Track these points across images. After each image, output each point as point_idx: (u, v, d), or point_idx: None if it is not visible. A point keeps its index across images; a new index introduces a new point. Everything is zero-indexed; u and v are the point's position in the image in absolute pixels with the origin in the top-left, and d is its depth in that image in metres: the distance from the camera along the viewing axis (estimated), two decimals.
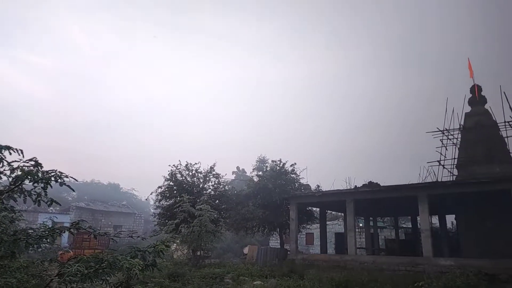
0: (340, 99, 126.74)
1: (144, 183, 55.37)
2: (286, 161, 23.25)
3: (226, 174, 23.96)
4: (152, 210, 33.89)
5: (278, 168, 23.11)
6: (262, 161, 40.97)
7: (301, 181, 23.60)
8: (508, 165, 17.91)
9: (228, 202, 22.53)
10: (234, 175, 53.86)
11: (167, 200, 21.48)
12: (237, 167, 56.27)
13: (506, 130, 18.46)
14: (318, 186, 23.08)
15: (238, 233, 24.59)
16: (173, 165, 21.93)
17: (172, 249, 19.53)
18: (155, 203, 23.65)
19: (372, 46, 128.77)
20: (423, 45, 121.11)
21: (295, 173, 23.34)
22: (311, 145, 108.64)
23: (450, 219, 26.47)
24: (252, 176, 26.86)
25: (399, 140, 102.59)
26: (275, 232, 24.76)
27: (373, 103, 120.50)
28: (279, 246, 23.66)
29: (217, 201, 22.09)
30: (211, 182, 22.53)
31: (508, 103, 18.08)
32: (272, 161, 24.67)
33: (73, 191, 4.12)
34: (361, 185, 19.53)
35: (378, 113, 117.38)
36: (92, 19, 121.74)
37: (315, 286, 10.33)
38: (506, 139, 18.53)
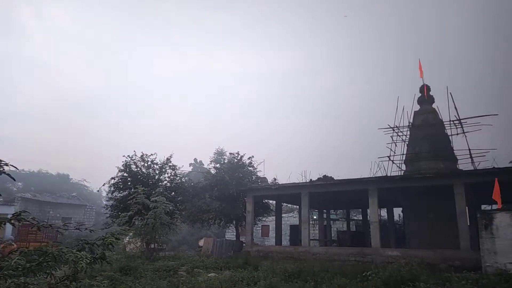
0: (298, 95, 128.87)
1: (97, 174, 53.34)
2: (244, 154, 23.39)
3: (183, 166, 23.68)
4: (104, 202, 32.73)
5: (235, 160, 23.17)
6: (220, 154, 40.75)
7: (258, 174, 23.88)
8: (451, 162, 19.12)
9: (185, 194, 22.29)
10: (192, 167, 53.20)
11: (121, 191, 20.88)
12: (195, 159, 55.60)
13: (451, 128, 19.67)
14: (275, 179, 23.46)
15: (194, 225, 24.44)
16: (128, 155, 21.33)
17: (125, 242, 19.05)
18: (107, 194, 22.87)
19: (331, 46, 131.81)
20: (381, 45, 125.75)
21: (253, 166, 23.54)
22: (268, 139, 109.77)
23: (398, 211, 27.86)
24: (209, 168, 26.76)
25: (354, 136, 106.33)
26: (231, 225, 24.87)
27: (330, 100, 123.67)
28: (235, 239, 23.81)
29: (173, 193, 21.78)
30: (167, 173, 22.16)
31: (454, 103, 19.27)
32: (230, 153, 24.71)
33: (14, 179, 3.87)
34: (316, 178, 20.09)
35: (335, 109, 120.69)
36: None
37: (268, 277, 10.49)
38: (450, 137, 19.76)
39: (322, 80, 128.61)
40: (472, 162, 18.52)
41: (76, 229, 4.49)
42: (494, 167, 15.37)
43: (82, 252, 3.87)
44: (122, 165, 21.06)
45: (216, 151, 43.60)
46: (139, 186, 18.30)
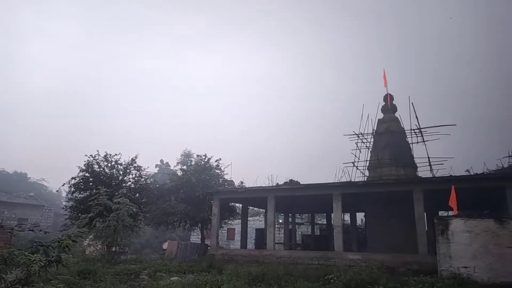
0: (267, 99, 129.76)
1: (57, 173, 51.14)
2: (211, 156, 23.25)
3: (148, 167, 23.19)
4: (64, 203, 31.42)
5: (203, 163, 22.97)
6: (187, 155, 40.41)
7: (225, 177, 23.76)
8: (411, 169, 19.86)
9: (149, 196, 21.82)
10: (158, 168, 52.29)
11: (82, 192, 20.16)
12: (161, 160, 54.70)
13: (411, 137, 20.42)
14: (242, 182, 23.44)
15: (158, 228, 23.96)
16: (91, 155, 20.62)
17: (85, 244, 18.42)
18: (67, 195, 21.99)
19: (301, 51, 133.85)
20: (350, 53, 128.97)
21: (220, 169, 23.42)
22: (236, 143, 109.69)
23: (360, 216, 28.57)
24: (176, 170, 26.37)
25: (321, 141, 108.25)
26: (196, 227, 24.59)
27: (298, 105, 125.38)
28: (200, 242, 23.56)
29: (137, 194, 21.29)
30: (132, 174, 21.62)
31: (415, 112, 20.05)
32: (197, 155, 24.49)
33: None
34: (283, 182, 20.27)
35: (303, 114, 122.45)
36: None
37: (232, 281, 10.46)
38: (411, 145, 20.53)
39: (291, 84, 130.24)
40: (431, 169, 19.30)
41: (30, 230, 4.28)
42: (451, 175, 16.09)
43: (35, 255, 3.69)
44: (84, 164, 20.35)
45: (183, 153, 43.19)
46: (101, 187, 17.77)
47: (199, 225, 23.37)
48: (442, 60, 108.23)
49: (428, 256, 14.52)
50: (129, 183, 21.40)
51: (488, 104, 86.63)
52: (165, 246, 22.43)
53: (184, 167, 24.25)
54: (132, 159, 21.49)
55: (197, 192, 20.77)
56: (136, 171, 21.63)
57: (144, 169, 22.21)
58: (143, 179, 21.99)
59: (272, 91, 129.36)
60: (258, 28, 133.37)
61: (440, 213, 21.00)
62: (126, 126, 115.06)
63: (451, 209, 13.46)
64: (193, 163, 24.33)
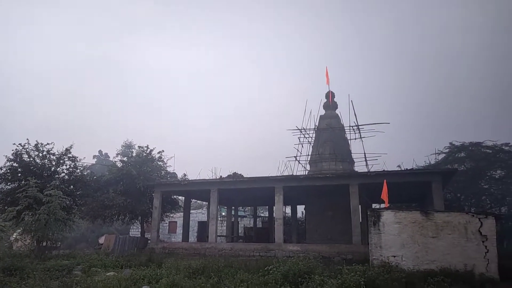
0: (211, 93, 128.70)
1: None
2: (154, 148, 22.69)
3: (85, 157, 22.09)
4: None
5: (144, 154, 22.34)
6: (128, 146, 38.90)
7: (168, 169, 23.35)
8: (349, 164, 20.86)
9: (85, 188, 20.75)
10: (96, 159, 49.90)
11: (9, 183, 18.70)
12: (100, 151, 52.23)
13: (350, 133, 21.42)
14: (185, 175, 23.13)
15: (94, 221, 22.91)
16: (20, 144, 19.10)
17: (11, 239, 17.15)
18: None
19: (246, 44, 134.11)
20: (296, 48, 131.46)
21: (162, 161, 22.95)
22: (179, 134, 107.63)
23: (301, 209, 29.50)
24: (115, 161, 25.36)
25: (265, 135, 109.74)
26: (136, 221, 23.91)
27: (244, 99, 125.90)
28: (140, 235, 22.93)
29: (71, 186, 20.15)
30: (66, 165, 20.37)
31: (354, 110, 21.06)
32: (139, 146, 23.74)
33: None
34: (226, 175, 20.31)
35: (248, 108, 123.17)
36: None
37: (171, 274, 10.30)
38: (350, 141, 21.53)
39: (236, 78, 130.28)
40: (367, 164, 20.40)
41: None
42: (384, 170, 17.14)
43: None
44: (12, 154, 18.83)
45: (124, 144, 41.49)
46: (31, 178, 16.61)
47: (139, 218, 22.74)
48: (386, 59, 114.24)
49: (362, 246, 15.40)
50: (63, 174, 20.18)
51: (421, 105, 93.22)
52: (101, 240, 21.44)
53: (125, 159, 23.43)
54: (66, 149, 20.23)
55: (138, 185, 20.17)
56: (70, 162, 20.42)
57: (80, 160, 21.05)
58: (78, 170, 20.82)
59: (218, 84, 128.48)
60: (197, 23, 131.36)
61: (374, 205, 22.33)
62: (63, 114, 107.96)
63: (384, 202, 14.35)
64: (134, 154, 23.56)
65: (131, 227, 32.38)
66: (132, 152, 24.82)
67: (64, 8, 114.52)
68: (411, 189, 18.38)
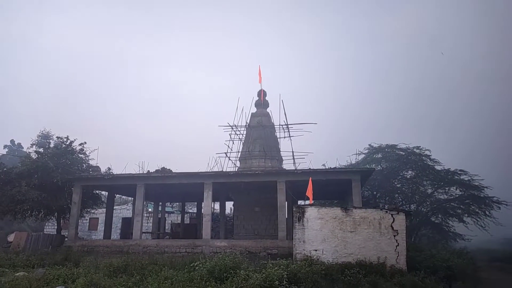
0: (143, 87, 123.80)
1: None
2: (75, 139, 21.16)
3: None
4: None
5: (64, 146, 20.76)
6: (45, 137, 35.89)
7: (91, 162, 21.92)
8: (278, 161, 21.44)
9: None
10: (7, 150, 45.30)
11: None
12: (11, 141, 47.44)
13: (279, 132, 22.02)
14: (109, 168, 21.95)
15: (3, 218, 20.78)
16: None
17: None
18: None
19: (180, 39, 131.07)
20: (227, 47, 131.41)
21: (84, 153, 21.51)
22: (106, 128, 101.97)
23: (230, 205, 29.64)
24: (29, 152, 23.25)
25: (197, 131, 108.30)
26: (52, 217, 22.16)
27: (177, 94, 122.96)
28: (56, 233, 21.31)
29: None
30: None
31: (284, 109, 21.67)
32: (57, 137, 21.97)
33: None
34: (154, 170, 19.67)
35: (181, 104, 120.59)
36: None
37: (90, 273, 9.74)
38: (279, 139, 22.14)
39: (168, 72, 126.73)
40: (294, 162, 21.14)
41: None
42: (310, 168, 17.89)
43: None
44: None
45: (41, 134, 38.16)
46: None
47: (56, 214, 21.11)
48: (317, 62, 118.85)
49: (287, 241, 15.92)
50: None
51: (347, 108, 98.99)
52: (10, 238, 19.51)
53: (41, 150, 21.52)
54: None
55: (55, 178, 18.67)
56: None
57: None
58: None
59: (149, 79, 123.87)
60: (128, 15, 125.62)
61: (299, 202, 23.22)
62: None
63: (309, 199, 14.98)
64: (52, 145, 21.79)
65: (46, 224, 29.99)
66: (50, 143, 22.88)
67: None
68: (334, 186, 19.41)
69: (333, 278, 10.18)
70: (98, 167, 21.82)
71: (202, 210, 19.42)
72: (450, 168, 22.86)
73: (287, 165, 22.00)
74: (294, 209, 13.33)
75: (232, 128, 21.68)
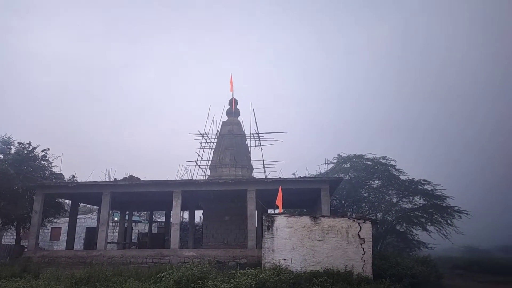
0: (112, 92, 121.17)
1: None
2: (37, 146, 20.34)
3: None
4: None
5: (25, 152, 19.90)
6: (5, 143, 34.18)
7: (54, 169, 21.10)
8: (248, 170, 21.44)
9: None
10: None
11: None
12: None
13: (250, 140, 22.08)
14: (73, 176, 21.19)
15: None
16: None
17: None
18: None
19: (161, 41, 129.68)
20: (205, 52, 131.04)
21: (47, 160, 20.72)
22: (71, 134, 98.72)
23: (199, 214, 29.29)
24: None
25: (167, 139, 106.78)
26: (11, 227, 21.10)
27: (145, 100, 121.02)
28: (15, 243, 20.28)
29: None
30: None
31: (255, 118, 21.77)
32: (19, 143, 21.02)
33: None
34: (121, 178, 19.17)
35: (150, 110, 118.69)
36: None
37: (50, 285, 9.31)
38: (250, 148, 22.17)
39: (137, 78, 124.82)
40: (264, 171, 21.23)
41: None
42: (280, 177, 18.00)
43: None
44: None
45: (1, 139, 36.28)
46: None
47: (15, 223, 20.12)
48: (292, 71, 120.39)
49: (256, 250, 15.88)
50: None
51: (318, 116, 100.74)
52: None
53: (0, 156, 20.54)
54: None
55: (16, 185, 17.85)
56: None
57: None
58: None
59: (115, 86, 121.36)
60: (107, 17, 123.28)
61: (269, 211, 23.27)
62: None
63: (278, 207, 15.03)
64: (13, 151, 20.84)
65: (5, 234, 28.49)
66: (10, 148, 21.83)
67: None
68: (303, 195, 19.60)
69: (301, 287, 10.22)
70: (61, 174, 21.05)
71: (171, 219, 19.07)
72: (414, 178, 23.58)
73: (258, 174, 22.06)
74: (263, 218, 13.32)
75: (203, 136, 21.55)
